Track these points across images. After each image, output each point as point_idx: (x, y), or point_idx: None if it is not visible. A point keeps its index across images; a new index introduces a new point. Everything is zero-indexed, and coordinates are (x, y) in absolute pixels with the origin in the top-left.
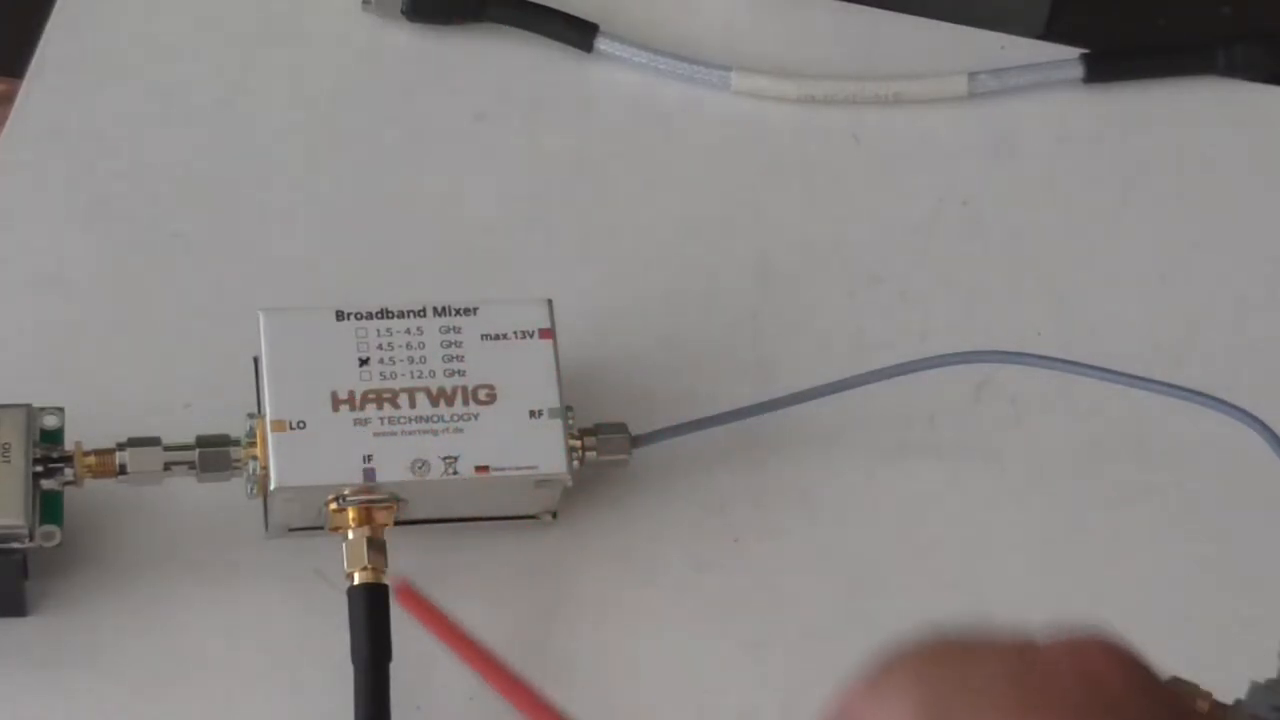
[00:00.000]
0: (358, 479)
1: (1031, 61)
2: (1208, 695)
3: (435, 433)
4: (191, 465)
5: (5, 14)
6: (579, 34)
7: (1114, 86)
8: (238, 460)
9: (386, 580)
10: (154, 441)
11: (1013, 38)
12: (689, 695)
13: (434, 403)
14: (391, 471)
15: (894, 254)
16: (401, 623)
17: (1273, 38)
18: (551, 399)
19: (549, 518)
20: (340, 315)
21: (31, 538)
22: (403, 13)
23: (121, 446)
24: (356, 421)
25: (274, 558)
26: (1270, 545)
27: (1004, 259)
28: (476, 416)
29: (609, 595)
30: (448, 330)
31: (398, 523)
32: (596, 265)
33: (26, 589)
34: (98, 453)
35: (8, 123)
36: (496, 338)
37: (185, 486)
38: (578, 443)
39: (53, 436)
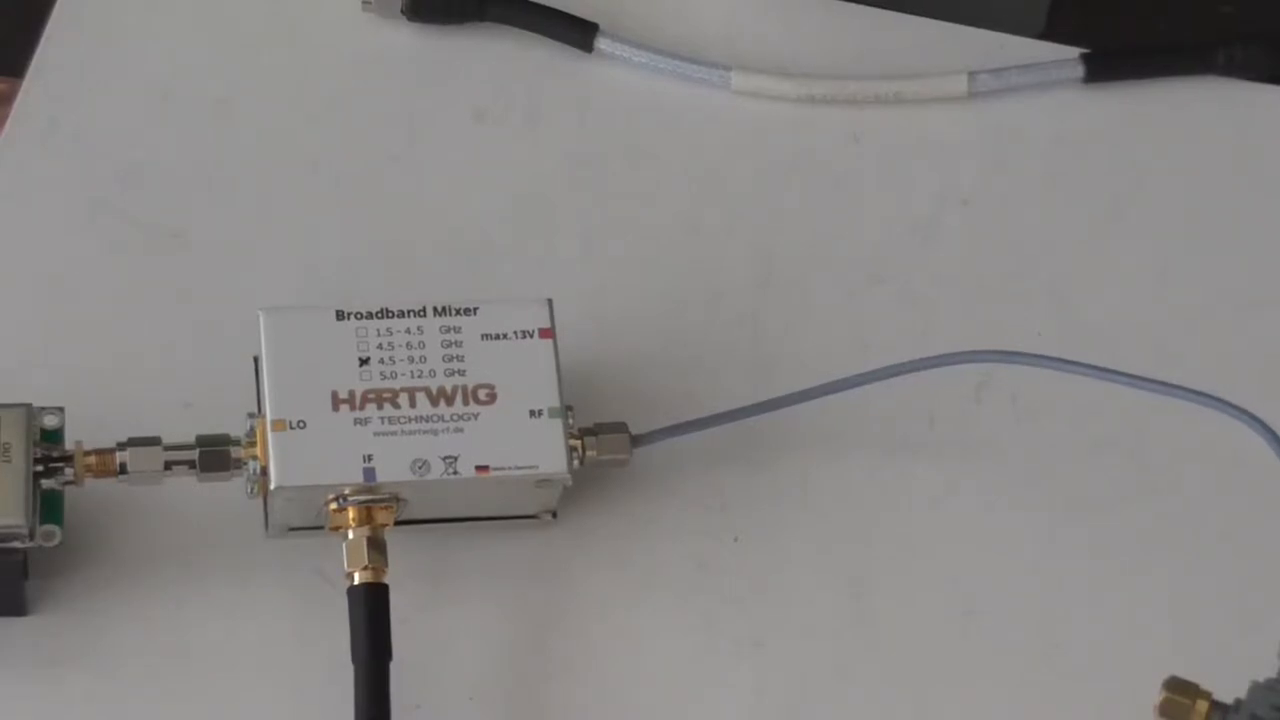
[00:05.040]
0: (358, 479)
1: (1031, 61)
2: (1208, 695)
3: (435, 432)
4: (191, 465)
5: (5, 14)
6: (579, 34)
7: (1114, 86)
8: (238, 460)
9: (386, 580)
10: (154, 441)
11: (1013, 38)
12: (689, 695)
13: (434, 402)
14: (392, 471)
15: (894, 254)
16: (401, 623)
17: (1273, 38)
18: (551, 399)
19: (549, 518)
20: (340, 315)
21: (32, 537)
22: (403, 13)
23: (121, 446)
24: (357, 421)
25: (274, 558)
26: (1270, 545)
27: (1004, 259)
28: (476, 416)
29: (609, 595)
30: (448, 330)
31: (398, 523)
32: (596, 265)
33: (26, 589)
34: (98, 453)
35: (8, 123)
36: (496, 337)
37: (185, 486)
38: (578, 442)
39: (53, 436)
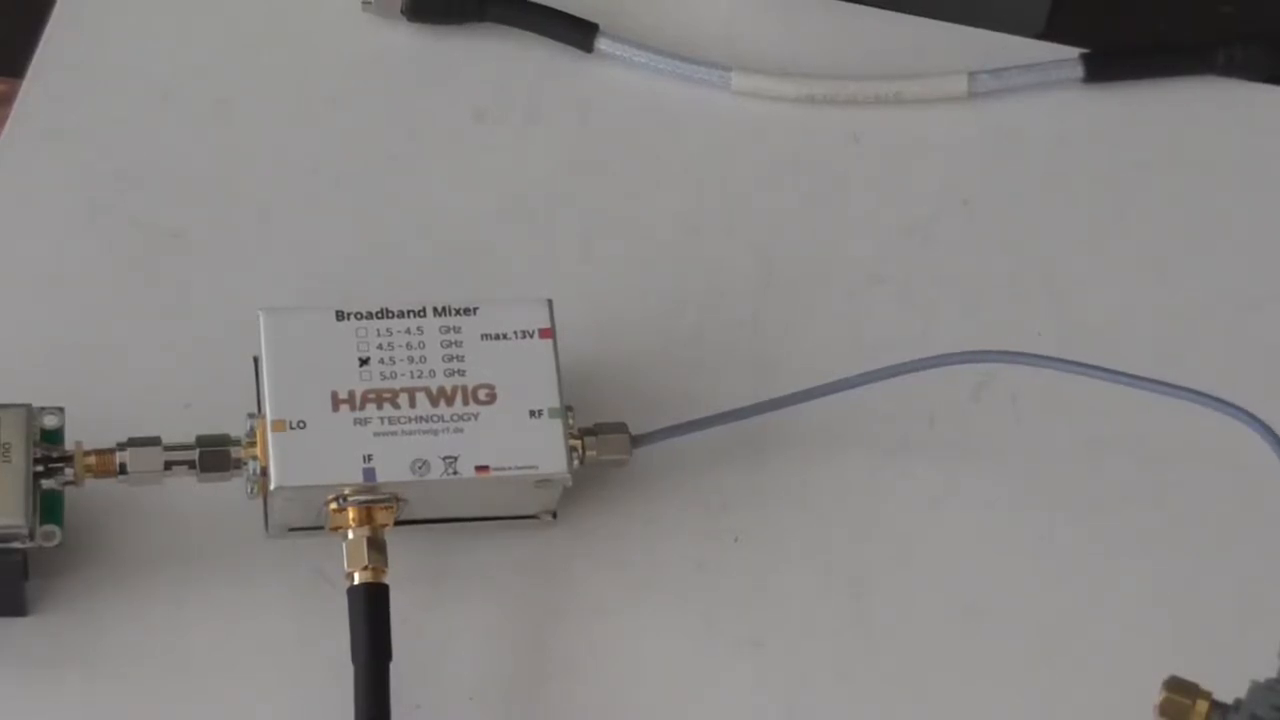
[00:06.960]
0: (358, 479)
1: (1031, 61)
2: (1208, 695)
3: (435, 433)
4: (191, 465)
5: (5, 14)
6: (579, 34)
7: (1114, 86)
8: (238, 460)
9: (386, 580)
10: (154, 441)
11: (1013, 38)
12: (689, 695)
13: (434, 402)
14: (391, 471)
15: (894, 254)
16: (401, 623)
17: (1273, 38)
18: (551, 399)
19: (549, 518)
20: (340, 315)
21: (31, 538)
22: (403, 13)
23: (121, 446)
24: (356, 421)
25: (274, 558)
26: (1270, 545)
27: (1004, 259)
28: (476, 416)
29: (609, 595)
30: (448, 330)
31: (398, 523)
32: (596, 265)
33: (26, 589)
34: (98, 453)
35: (8, 123)
36: (496, 338)
37: (185, 486)
38: (578, 442)
39: (53, 436)
